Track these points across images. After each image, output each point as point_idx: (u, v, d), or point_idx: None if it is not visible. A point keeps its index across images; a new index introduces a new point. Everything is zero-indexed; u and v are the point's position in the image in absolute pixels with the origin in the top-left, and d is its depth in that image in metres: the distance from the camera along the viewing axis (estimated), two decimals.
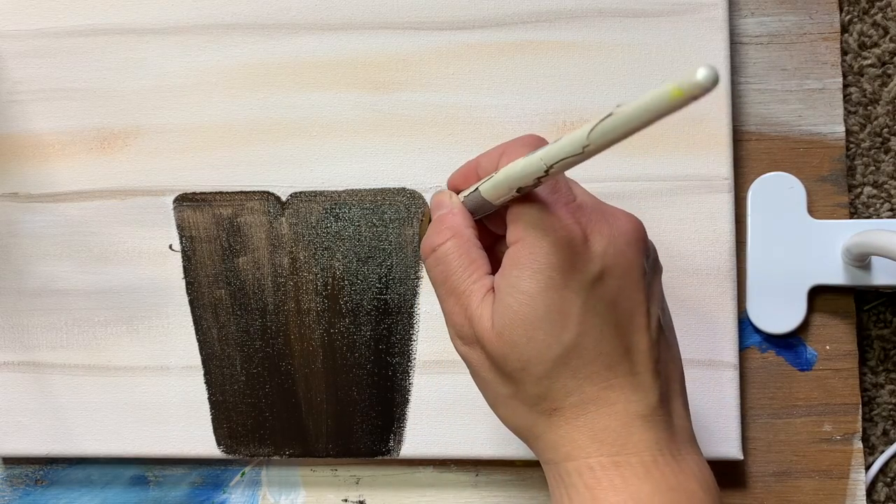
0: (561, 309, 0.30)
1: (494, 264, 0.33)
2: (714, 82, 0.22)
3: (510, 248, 0.31)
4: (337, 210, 0.44)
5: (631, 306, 0.31)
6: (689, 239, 0.43)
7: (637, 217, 0.32)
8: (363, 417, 0.44)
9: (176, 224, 0.45)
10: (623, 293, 0.31)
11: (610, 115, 0.25)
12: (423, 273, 0.44)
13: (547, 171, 0.28)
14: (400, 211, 0.44)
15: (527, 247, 0.31)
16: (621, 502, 0.29)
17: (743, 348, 0.44)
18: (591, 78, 0.44)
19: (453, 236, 0.33)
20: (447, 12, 0.44)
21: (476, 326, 0.31)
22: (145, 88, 0.45)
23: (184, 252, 0.45)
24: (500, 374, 0.32)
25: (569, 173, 0.30)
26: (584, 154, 0.27)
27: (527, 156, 0.29)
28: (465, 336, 0.32)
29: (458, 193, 0.35)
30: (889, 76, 0.46)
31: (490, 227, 0.35)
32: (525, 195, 0.31)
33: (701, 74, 0.22)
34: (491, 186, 0.32)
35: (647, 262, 0.32)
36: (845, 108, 0.45)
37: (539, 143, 0.33)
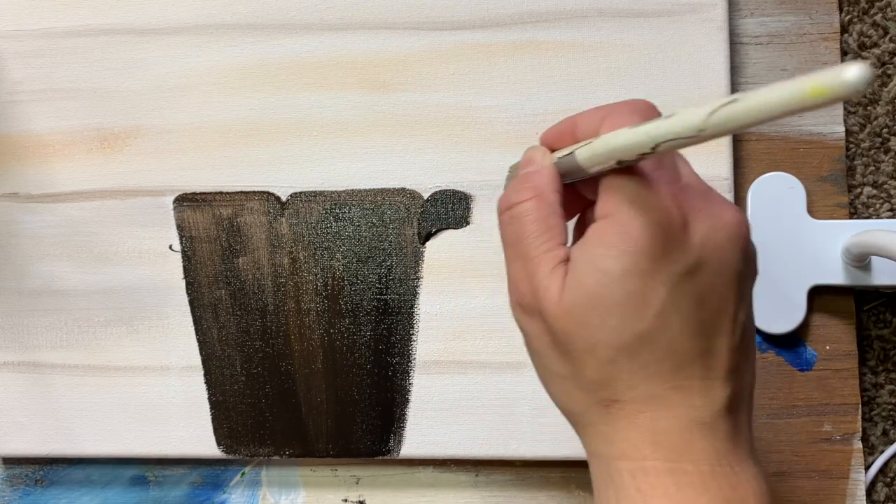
0: (642, 297, 0.28)
1: (579, 235, 0.31)
2: (866, 85, 0.19)
3: (598, 221, 0.29)
4: (337, 210, 0.44)
5: (719, 306, 0.28)
6: None
7: (742, 212, 0.30)
8: (363, 417, 0.44)
9: (176, 224, 0.45)
10: (713, 291, 0.28)
11: (735, 100, 0.23)
12: (423, 273, 0.44)
13: (653, 149, 0.26)
14: (400, 211, 0.44)
15: (617, 224, 0.28)
16: None
17: None
18: (592, 78, 0.44)
19: (535, 197, 0.30)
20: (447, 12, 0.44)
21: (541, 298, 0.29)
22: (145, 88, 0.45)
23: (184, 252, 0.45)
24: (559, 351, 0.30)
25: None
26: (698, 137, 0.24)
27: (632, 127, 0.27)
28: (525, 304, 0.30)
29: (552, 152, 0.32)
30: (889, 76, 0.46)
31: (583, 191, 0.32)
32: (629, 167, 0.28)
33: (851, 74, 0.19)
34: (588, 154, 0.29)
35: (744, 261, 0.29)
36: (845, 108, 0.45)
37: (648, 110, 0.30)
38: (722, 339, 0.29)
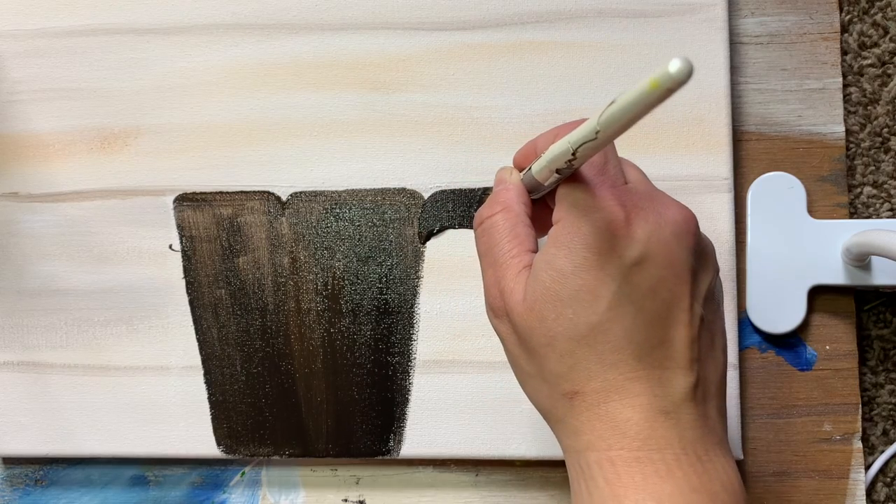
0: (593, 290, 0.29)
1: None
2: (688, 74, 0.22)
3: (553, 227, 0.31)
4: (337, 210, 0.44)
5: (671, 298, 0.30)
6: None
7: (691, 210, 0.31)
8: (363, 417, 0.44)
9: (176, 224, 0.45)
10: (664, 283, 0.30)
11: (612, 102, 0.25)
12: (423, 273, 0.44)
13: (574, 154, 0.29)
14: (400, 211, 0.44)
15: (566, 226, 0.30)
16: (640, 501, 0.29)
17: (743, 348, 0.44)
18: (591, 78, 0.44)
19: (503, 210, 0.33)
20: (447, 12, 0.44)
21: (507, 299, 0.31)
22: (145, 88, 0.45)
23: (184, 252, 0.45)
24: (525, 349, 0.31)
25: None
26: (597, 140, 0.27)
27: (561, 139, 0.30)
28: (496, 308, 0.32)
29: (520, 171, 0.35)
30: (889, 76, 0.46)
31: (551, 205, 0.35)
32: (574, 176, 0.31)
33: (674, 67, 0.22)
34: (537, 168, 0.32)
35: (695, 256, 0.31)
36: (845, 108, 0.46)
37: None
38: (679, 330, 0.30)
